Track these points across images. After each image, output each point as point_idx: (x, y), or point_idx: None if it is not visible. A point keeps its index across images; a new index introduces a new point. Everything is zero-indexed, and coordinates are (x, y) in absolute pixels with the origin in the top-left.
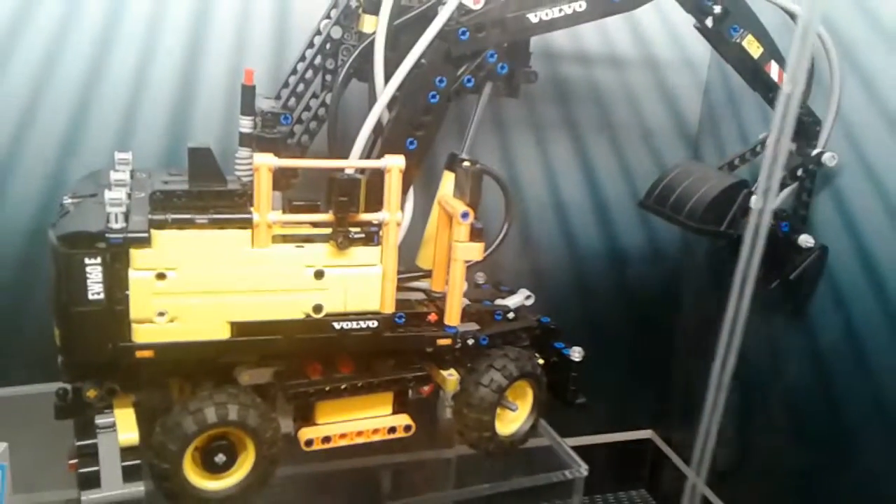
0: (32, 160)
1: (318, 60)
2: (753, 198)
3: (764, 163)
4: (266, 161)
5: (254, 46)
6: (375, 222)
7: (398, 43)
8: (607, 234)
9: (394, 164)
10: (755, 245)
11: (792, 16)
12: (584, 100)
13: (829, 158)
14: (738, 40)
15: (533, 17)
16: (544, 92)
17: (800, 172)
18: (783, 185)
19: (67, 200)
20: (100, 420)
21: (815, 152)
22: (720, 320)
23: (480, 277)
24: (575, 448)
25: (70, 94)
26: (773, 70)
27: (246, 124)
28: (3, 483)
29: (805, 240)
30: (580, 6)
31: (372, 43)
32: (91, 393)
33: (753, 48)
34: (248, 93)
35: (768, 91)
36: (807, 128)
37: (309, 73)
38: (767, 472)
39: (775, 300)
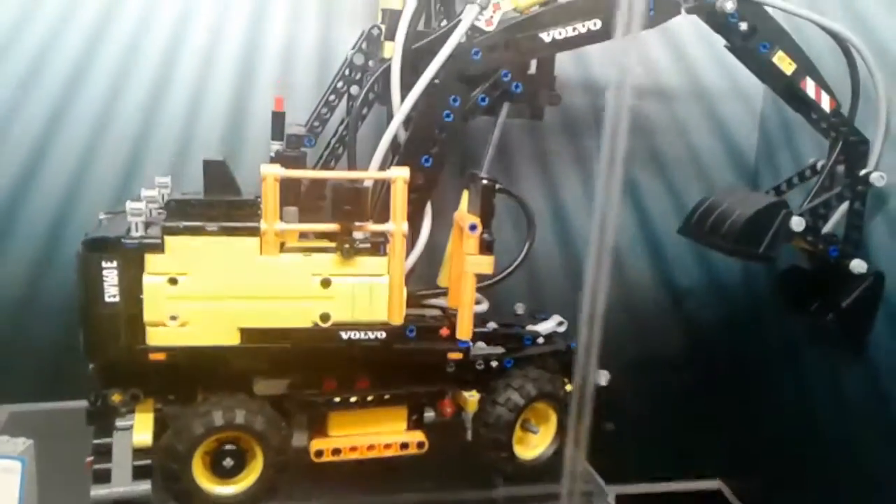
0: (96, 186)
1: (341, 87)
2: (794, 219)
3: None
4: (272, 171)
5: (298, 81)
6: (383, 234)
7: (417, 67)
8: (664, 272)
9: (398, 174)
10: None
11: (833, 35)
12: (635, 132)
13: (877, 178)
14: (769, 57)
15: (546, 37)
16: (590, 124)
17: (847, 193)
18: (828, 206)
19: (103, 216)
20: (119, 422)
21: (862, 172)
22: (791, 359)
23: (520, 308)
24: (633, 496)
25: (131, 127)
26: (810, 87)
27: (276, 148)
28: (22, 476)
29: (857, 265)
30: (594, 24)
31: (390, 67)
32: (116, 397)
33: (785, 65)
34: (279, 119)
35: (809, 110)
36: (853, 148)
37: (333, 99)
38: None
39: (832, 333)
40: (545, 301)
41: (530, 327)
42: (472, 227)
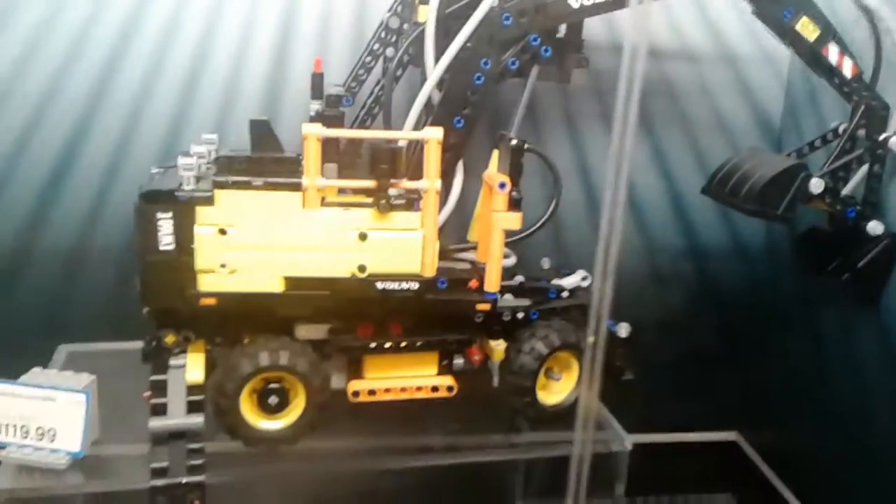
0: (145, 142)
1: (377, 49)
2: (813, 181)
3: None
4: (314, 130)
5: (337, 40)
6: (417, 190)
7: (450, 31)
8: (688, 230)
9: (432, 135)
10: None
11: (858, 3)
12: (662, 95)
13: (895, 143)
14: (792, 23)
15: (574, 3)
16: (616, 85)
17: (866, 157)
18: (848, 168)
19: (154, 170)
20: (173, 361)
21: (882, 136)
22: (808, 316)
23: (546, 262)
24: (650, 445)
25: (176, 86)
26: (833, 53)
27: (315, 107)
28: (87, 409)
29: (873, 227)
30: None
31: (424, 30)
32: (169, 339)
33: (808, 31)
34: (318, 80)
35: (831, 75)
36: (874, 113)
37: (370, 61)
38: (838, 465)
39: (848, 292)
40: (571, 256)
41: (555, 281)
42: (502, 186)
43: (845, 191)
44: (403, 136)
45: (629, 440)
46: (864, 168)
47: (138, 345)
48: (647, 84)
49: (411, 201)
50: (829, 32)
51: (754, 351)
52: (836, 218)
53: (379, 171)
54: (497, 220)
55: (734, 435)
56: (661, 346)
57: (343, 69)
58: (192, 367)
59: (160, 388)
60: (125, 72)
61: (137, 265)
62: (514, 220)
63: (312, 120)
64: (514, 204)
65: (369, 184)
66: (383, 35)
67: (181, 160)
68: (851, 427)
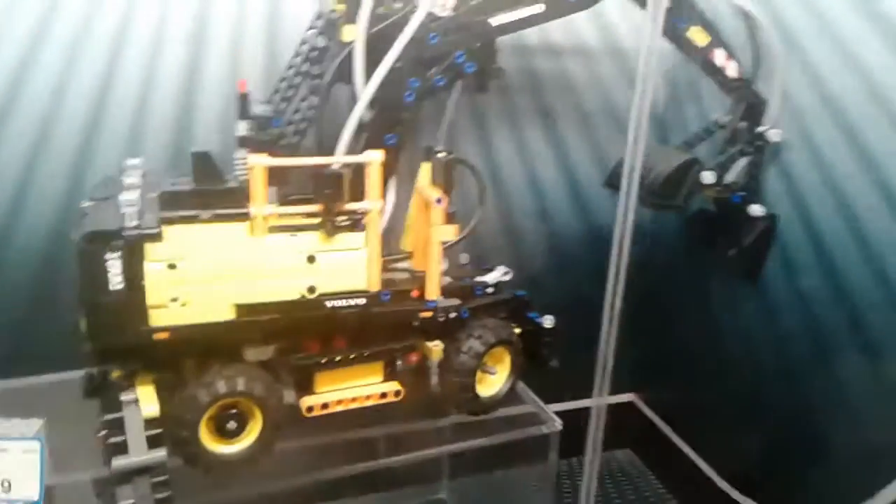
0: (52, 168)
1: (304, 67)
2: (705, 173)
3: None
4: (260, 161)
5: (248, 57)
6: (360, 211)
7: (377, 50)
8: (583, 213)
9: (373, 158)
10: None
11: (743, 12)
12: (553, 88)
13: (773, 134)
14: (684, 31)
15: (494, 21)
16: (519, 84)
17: (746, 147)
18: (734, 160)
19: (86, 204)
20: (124, 396)
21: (761, 129)
22: (697, 289)
23: (464, 258)
24: (559, 412)
25: (83, 110)
26: (720, 56)
27: (242, 128)
28: (41, 457)
29: (756, 209)
30: (539, 8)
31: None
32: (116, 374)
33: (699, 38)
34: (243, 100)
35: (717, 75)
36: (754, 108)
37: (297, 79)
38: (727, 419)
39: (732, 266)
40: (482, 249)
41: (479, 278)
42: (439, 201)
43: (728, 178)
44: (345, 160)
45: (559, 422)
46: (745, 157)
47: (58, 377)
48: (542, 80)
49: (356, 222)
50: (717, 39)
51: (648, 320)
52: (721, 201)
53: (324, 197)
54: (436, 234)
55: (631, 396)
56: (561, 320)
57: (257, 85)
58: (146, 400)
59: (117, 426)
60: (28, 90)
61: (85, 307)
62: (450, 232)
63: (241, 142)
64: (450, 217)
65: (315, 209)
66: (312, 54)
67: (122, 196)
68: (736, 385)
